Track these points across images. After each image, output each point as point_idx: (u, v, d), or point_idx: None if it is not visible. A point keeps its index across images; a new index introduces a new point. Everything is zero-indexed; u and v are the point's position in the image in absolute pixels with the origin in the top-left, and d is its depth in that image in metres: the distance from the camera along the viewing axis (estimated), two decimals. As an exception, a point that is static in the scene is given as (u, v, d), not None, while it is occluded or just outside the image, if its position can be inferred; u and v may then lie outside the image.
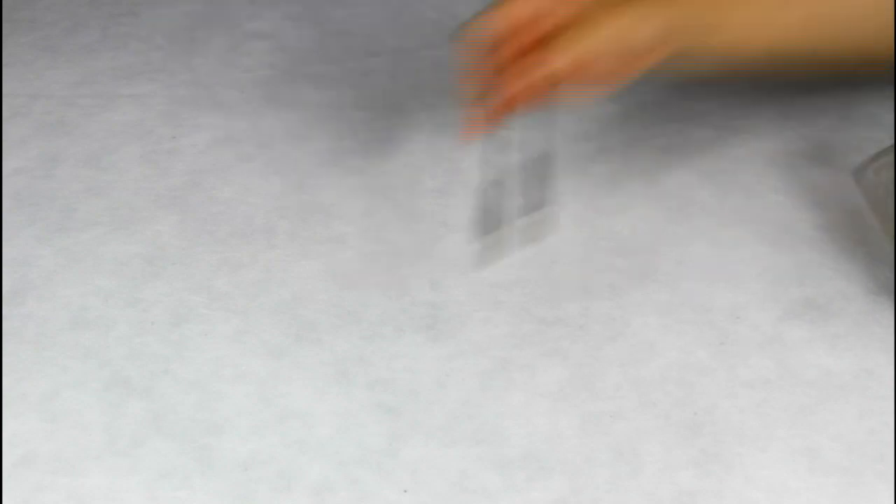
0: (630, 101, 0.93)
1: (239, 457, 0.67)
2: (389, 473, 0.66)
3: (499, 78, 0.70)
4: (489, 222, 0.72)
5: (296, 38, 1.01)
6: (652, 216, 0.83)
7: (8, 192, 0.86)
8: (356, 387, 0.71)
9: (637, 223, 0.82)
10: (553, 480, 0.66)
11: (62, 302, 0.77)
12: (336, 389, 0.71)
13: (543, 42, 0.69)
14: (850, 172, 0.84)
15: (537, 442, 0.68)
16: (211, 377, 0.72)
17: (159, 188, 0.86)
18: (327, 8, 1.04)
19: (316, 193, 0.85)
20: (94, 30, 1.02)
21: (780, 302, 0.76)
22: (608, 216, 0.82)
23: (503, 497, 0.65)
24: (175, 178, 0.87)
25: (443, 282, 0.78)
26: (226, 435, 0.69)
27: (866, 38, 0.76)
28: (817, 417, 0.69)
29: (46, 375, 0.72)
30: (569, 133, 0.90)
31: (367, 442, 0.68)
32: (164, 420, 0.69)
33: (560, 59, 0.67)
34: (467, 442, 0.68)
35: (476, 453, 0.67)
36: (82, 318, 0.76)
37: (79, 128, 0.92)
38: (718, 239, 0.81)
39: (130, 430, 0.69)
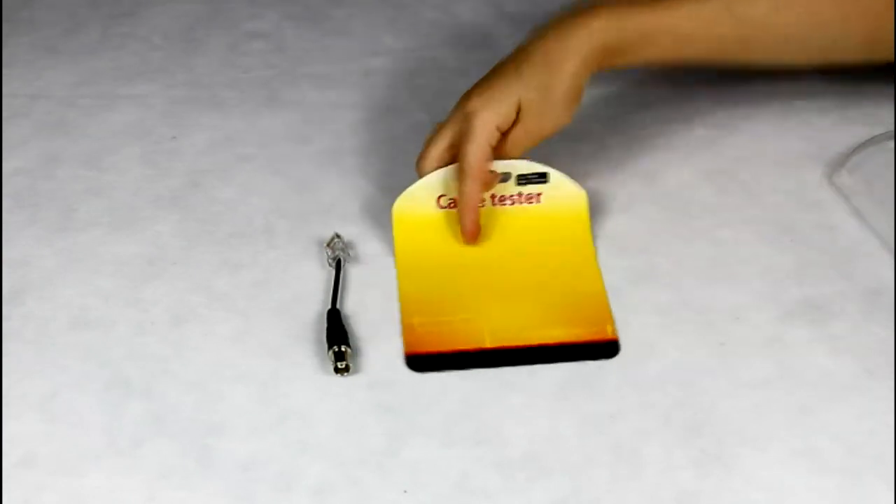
0: (630, 101, 0.93)
1: (239, 457, 0.67)
2: (389, 473, 0.66)
3: None
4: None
5: (296, 38, 1.01)
6: (652, 216, 0.83)
7: (8, 192, 0.86)
8: (356, 387, 0.71)
9: (637, 223, 0.82)
10: (553, 480, 0.66)
11: (62, 302, 0.77)
12: (336, 389, 0.71)
13: None
14: (824, 177, 0.84)
15: (537, 442, 0.68)
16: (211, 377, 0.72)
17: (159, 188, 0.86)
18: (327, 8, 1.04)
19: (316, 193, 0.85)
20: (94, 30, 1.02)
21: (780, 302, 0.76)
22: (608, 216, 0.82)
23: (503, 497, 0.65)
24: (175, 178, 0.87)
25: (443, 282, 0.78)
26: (226, 435, 0.69)
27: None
28: (817, 417, 0.69)
29: (46, 375, 0.72)
30: (569, 133, 0.90)
31: (367, 442, 0.68)
32: (164, 420, 0.69)
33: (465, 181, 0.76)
34: (467, 442, 0.68)
35: (476, 454, 0.67)
36: (82, 318, 0.76)
37: (79, 128, 0.92)
38: (718, 239, 0.81)
39: (130, 430, 0.69)
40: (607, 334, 0.72)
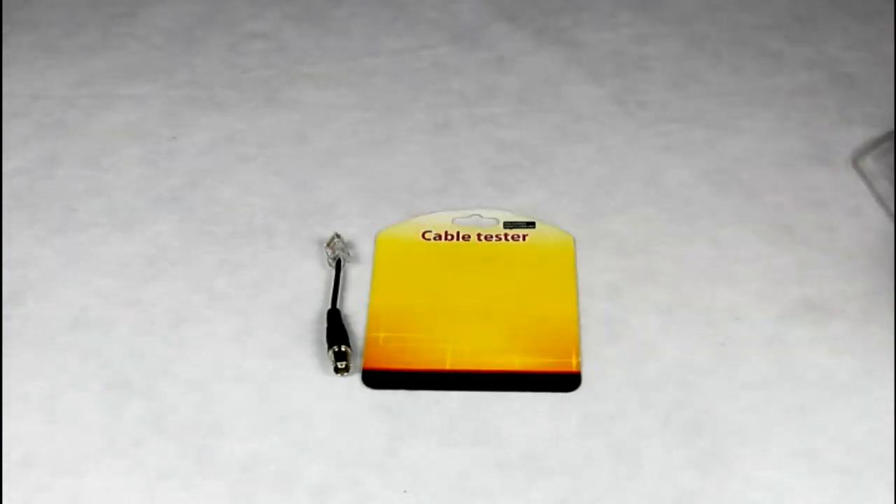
0: (630, 101, 0.93)
1: (239, 457, 0.67)
2: (389, 473, 0.66)
3: None
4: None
5: (296, 38, 1.01)
6: (652, 216, 0.83)
7: (8, 192, 0.86)
8: (356, 387, 0.71)
9: (637, 223, 0.82)
10: (553, 480, 0.66)
11: (62, 302, 0.77)
12: (336, 389, 0.71)
13: None
14: (848, 159, 0.84)
15: (537, 442, 0.68)
16: (211, 377, 0.72)
17: (159, 188, 0.86)
18: (327, 8, 1.04)
19: (316, 193, 0.85)
20: (94, 30, 1.02)
21: (780, 302, 0.76)
22: (608, 216, 0.82)
23: (503, 497, 0.65)
24: (175, 178, 0.87)
25: (443, 282, 0.78)
26: (226, 435, 0.69)
27: None
28: (817, 417, 0.69)
29: (46, 376, 0.72)
30: (569, 133, 0.90)
31: (367, 442, 0.68)
32: (164, 420, 0.69)
33: None
34: (467, 442, 0.68)
35: (476, 453, 0.67)
36: (82, 318, 0.76)
37: (79, 128, 0.92)
38: (718, 239, 0.81)
39: (130, 430, 0.69)
40: (571, 367, 0.71)
